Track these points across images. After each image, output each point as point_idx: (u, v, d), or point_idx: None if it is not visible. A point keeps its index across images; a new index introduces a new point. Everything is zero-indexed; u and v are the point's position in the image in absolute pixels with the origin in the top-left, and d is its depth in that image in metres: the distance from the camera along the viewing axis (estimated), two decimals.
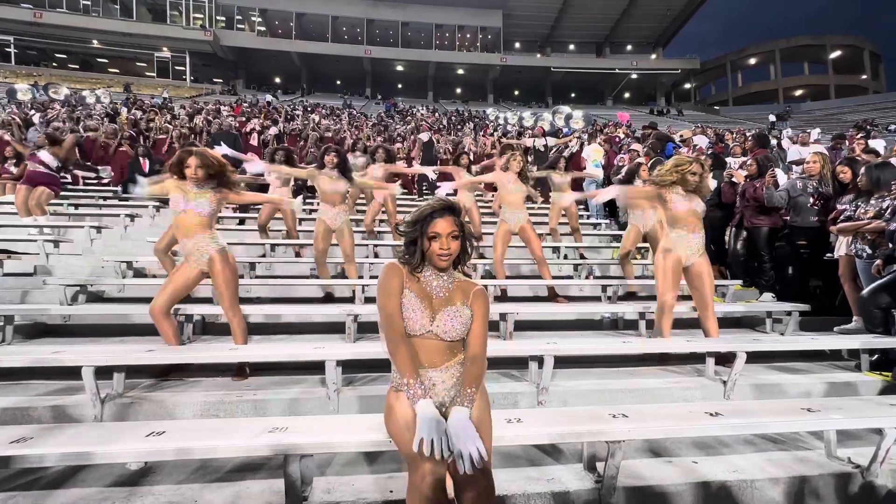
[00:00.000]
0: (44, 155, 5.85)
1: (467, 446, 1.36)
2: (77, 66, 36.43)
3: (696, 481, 2.16)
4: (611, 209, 7.69)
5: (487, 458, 1.42)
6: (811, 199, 4.52)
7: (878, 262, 3.45)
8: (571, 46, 44.47)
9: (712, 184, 4.98)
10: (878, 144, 7.76)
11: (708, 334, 3.35)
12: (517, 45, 43.57)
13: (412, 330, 1.60)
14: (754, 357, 3.20)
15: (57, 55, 36.33)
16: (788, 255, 4.77)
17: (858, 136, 8.94)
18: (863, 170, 3.88)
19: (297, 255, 5.63)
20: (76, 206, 7.32)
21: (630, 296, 4.83)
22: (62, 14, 33.28)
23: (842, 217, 3.92)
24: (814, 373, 3.37)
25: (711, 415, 2.16)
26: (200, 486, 2.05)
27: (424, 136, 10.09)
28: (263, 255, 5.48)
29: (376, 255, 5.69)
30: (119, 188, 8.20)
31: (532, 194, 5.48)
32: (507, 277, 4.81)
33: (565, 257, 5.93)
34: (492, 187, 7.77)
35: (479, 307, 1.64)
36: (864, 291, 3.48)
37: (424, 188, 9.52)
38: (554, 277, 5.49)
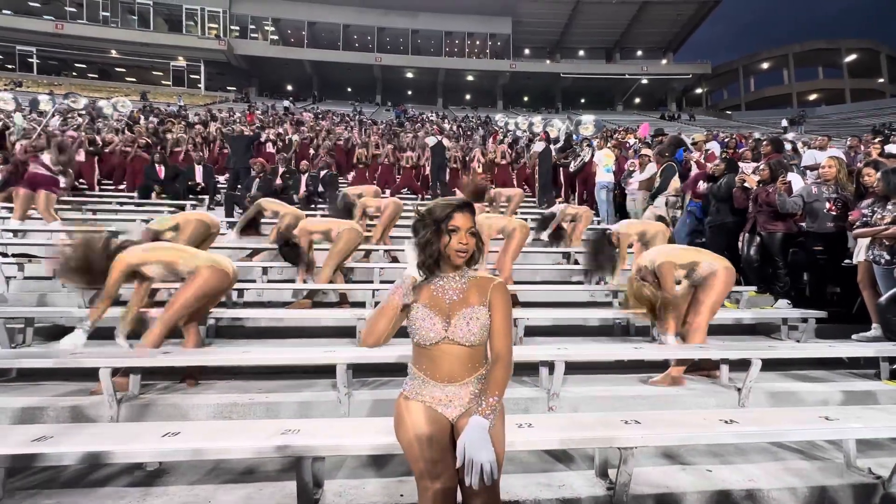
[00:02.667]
0: (46, 157, 5.81)
1: (480, 460, 1.28)
2: (96, 76, 37.36)
3: (711, 490, 2.13)
4: (622, 214, 7.63)
5: (498, 476, 1.36)
6: (827, 205, 4.45)
7: None
8: (581, 52, 44.42)
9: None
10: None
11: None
12: (527, 51, 43.63)
13: (427, 340, 1.50)
14: (770, 364, 3.13)
15: (77, 65, 37.26)
16: (804, 261, 4.69)
17: (875, 139, 8.79)
18: (878, 175, 3.81)
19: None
20: (94, 211, 7.49)
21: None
22: (82, 25, 34.20)
23: (858, 223, 3.85)
24: (831, 381, 3.31)
25: (726, 422, 2.13)
26: (214, 488, 2.08)
27: (431, 140, 9.60)
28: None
29: (395, 260, 5.77)
30: (136, 194, 8.37)
31: None
32: (517, 283, 4.80)
33: (576, 262, 5.91)
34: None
35: (498, 302, 1.52)
36: (883, 298, 3.41)
37: (439, 193, 9.51)
38: (565, 283, 5.49)
